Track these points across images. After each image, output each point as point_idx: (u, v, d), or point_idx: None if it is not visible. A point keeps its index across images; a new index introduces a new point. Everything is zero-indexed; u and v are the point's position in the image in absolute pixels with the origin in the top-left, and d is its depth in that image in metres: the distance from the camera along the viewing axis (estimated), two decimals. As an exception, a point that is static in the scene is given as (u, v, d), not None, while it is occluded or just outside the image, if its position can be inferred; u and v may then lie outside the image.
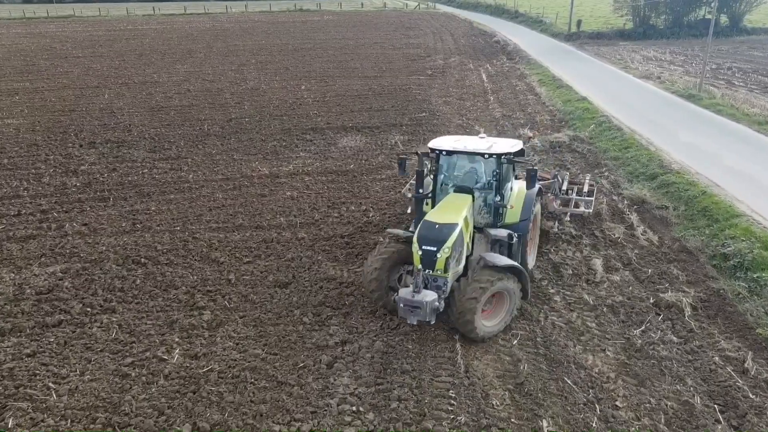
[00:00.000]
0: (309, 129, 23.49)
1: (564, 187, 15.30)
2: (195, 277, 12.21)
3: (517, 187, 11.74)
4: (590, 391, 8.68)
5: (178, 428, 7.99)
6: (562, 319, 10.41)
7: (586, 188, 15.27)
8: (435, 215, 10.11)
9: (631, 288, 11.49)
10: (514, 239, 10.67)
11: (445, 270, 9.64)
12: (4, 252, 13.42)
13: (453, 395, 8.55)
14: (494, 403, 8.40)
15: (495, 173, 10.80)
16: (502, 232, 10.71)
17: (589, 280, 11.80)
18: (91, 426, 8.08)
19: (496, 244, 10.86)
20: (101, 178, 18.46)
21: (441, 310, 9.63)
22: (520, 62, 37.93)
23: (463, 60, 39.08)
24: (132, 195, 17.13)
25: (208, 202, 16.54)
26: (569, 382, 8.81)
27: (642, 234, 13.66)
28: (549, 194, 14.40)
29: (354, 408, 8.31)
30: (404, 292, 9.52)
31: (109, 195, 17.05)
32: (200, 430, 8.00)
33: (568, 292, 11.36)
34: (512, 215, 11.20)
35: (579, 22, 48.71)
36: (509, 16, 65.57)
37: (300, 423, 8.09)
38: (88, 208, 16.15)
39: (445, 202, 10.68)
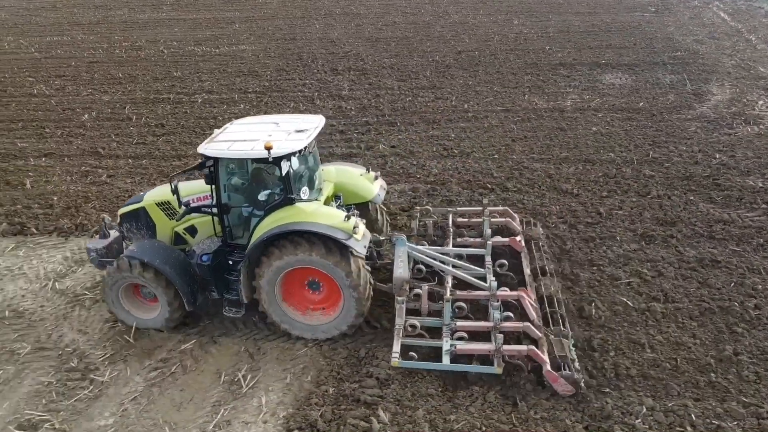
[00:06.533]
0: (557, 64, 21.69)
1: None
2: (559, 207, 11.41)
3: (315, 207, 7.99)
4: None
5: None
6: None
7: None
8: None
9: None
10: (204, 260, 8.30)
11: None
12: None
13: None
14: None
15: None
16: (198, 248, 8.53)
17: None
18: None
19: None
20: (369, 104, 18.05)
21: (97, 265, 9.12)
22: (759, 1, 32.91)
23: (683, -4, 34.66)
24: (417, 121, 16.55)
25: (505, 132, 15.55)
26: None
27: None
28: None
29: None
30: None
31: (394, 120, 16.57)
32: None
33: None
34: (258, 233, 7.93)
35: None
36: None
37: None
38: (384, 131, 15.77)
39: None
